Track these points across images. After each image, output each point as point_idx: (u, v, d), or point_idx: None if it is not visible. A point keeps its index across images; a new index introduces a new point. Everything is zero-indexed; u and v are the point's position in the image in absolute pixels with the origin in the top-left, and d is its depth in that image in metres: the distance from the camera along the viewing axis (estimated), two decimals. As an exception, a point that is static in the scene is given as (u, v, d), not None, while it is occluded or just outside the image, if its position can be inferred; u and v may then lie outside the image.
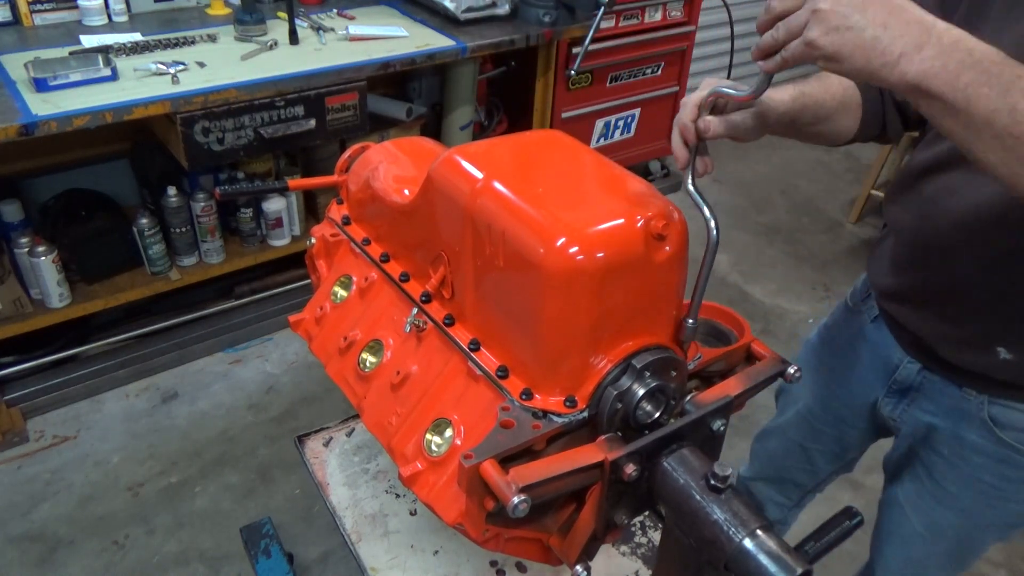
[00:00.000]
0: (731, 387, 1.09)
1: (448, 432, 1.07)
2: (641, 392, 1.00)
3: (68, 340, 2.66)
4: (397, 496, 1.49)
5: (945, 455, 1.28)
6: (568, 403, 1.00)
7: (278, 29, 2.53)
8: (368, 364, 1.23)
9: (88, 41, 2.37)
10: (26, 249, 2.40)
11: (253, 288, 2.97)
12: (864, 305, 1.39)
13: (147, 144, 2.60)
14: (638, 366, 0.99)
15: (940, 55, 0.76)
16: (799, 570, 0.82)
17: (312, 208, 2.98)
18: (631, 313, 1.00)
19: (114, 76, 2.15)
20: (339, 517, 1.45)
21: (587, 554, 1.02)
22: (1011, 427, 1.18)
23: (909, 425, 1.34)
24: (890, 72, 0.78)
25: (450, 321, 1.15)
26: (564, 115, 3.35)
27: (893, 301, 1.27)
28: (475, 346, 1.10)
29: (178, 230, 2.65)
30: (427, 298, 1.20)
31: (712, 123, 0.98)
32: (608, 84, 3.47)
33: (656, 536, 1.42)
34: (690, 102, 0.99)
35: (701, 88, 1.00)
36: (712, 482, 0.90)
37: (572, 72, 3.11)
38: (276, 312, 2.94)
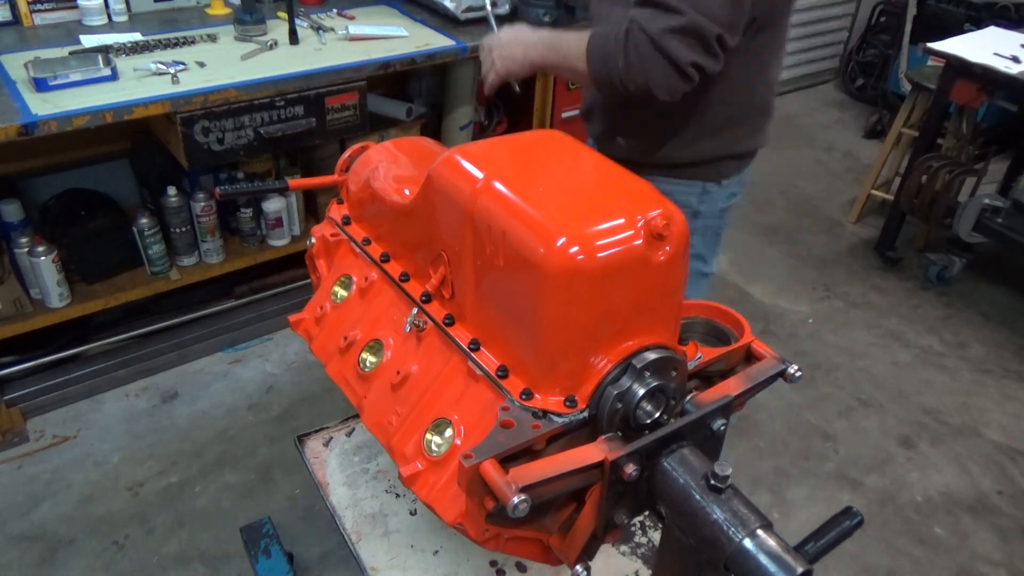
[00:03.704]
0: (731, 387, 1.09)
1: (448, 432, 1.07)
2: (641, 392, 1.00)
3: (68, 340, 2.66)
4: (397, 496, 1.49)
5: None
6: (568, 403, 1.00)
7: (278, 29, 2.53)
8: (368, 364, 1.23)
9: (88, 41, 2.37)
10: (26, 249, 2.40)
11: (253, 288, 2.96)
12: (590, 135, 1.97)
13: (147, 144, 2.60)
14: (638, 366, 0.99)
15: (535, 49, 1.58)
16: (799, 570, 0.82)
17: (312, 208, 2.98)
18: (631, 313, 1.00)
19: (114, 76, 2.15)
20: (339, 517, 1.45)
21: (587, 554, 1.02)
22: None
23: None
24: (530, 65, 1.61)
25: (450, 321, 1.15)
26: (564, 115, 3.35)
27: (585, 121, 1.89)
28: (475, 346, 1.10)
29: (178, 230, 2.65)
30: (427, 298, 1.20)
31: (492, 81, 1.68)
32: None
33: (656, 536, 1.42)
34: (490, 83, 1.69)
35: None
36: (712, 482, 0.90)
37: (572, 72, 3.10)
38: (276, 312, 2.94)
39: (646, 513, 1.13)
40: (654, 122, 1.64)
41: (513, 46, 1.61)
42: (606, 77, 1.44)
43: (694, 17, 1.34)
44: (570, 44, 1.50)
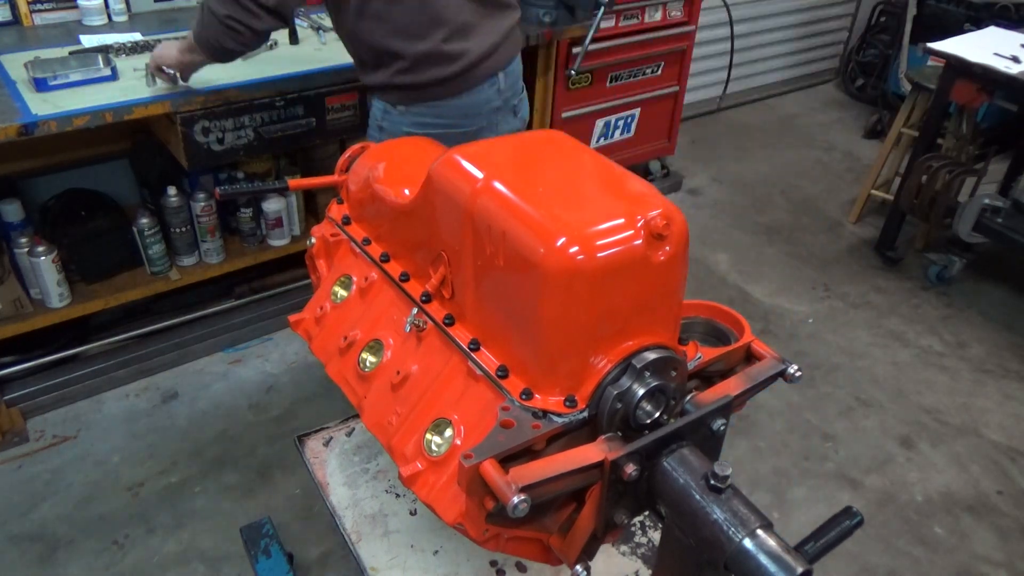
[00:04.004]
0: (731, 387, 1.09)
1: (448, 432, 1.07)
2: (641, 392, 1.00)
3: (68, 340, 2.66)
4: (397, 496, 1.49)
5: None
6: (568, 403, 1.00)
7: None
8: (368, 364, 1.23)
9: (88, 41, 2.37)
10: (26, 249, 2.40)
11: (253, 288, 2.96)
12: None
13: (147, 144, 2.60)
14: (638, 366, 1.00)
15: (180, 52, 1.97)
16: (799, 570, 0.82)
17: (312, 208, 2.98)
18: (631, 313, 1.00)
19: (114, 76, 2.15)
20: (339, 517, 1.45)
21: (587, 554, 1.02)
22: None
23: None
24: (177, 61, 2.01)
25: (450, 321, 1.15)
26: (564, 115, 3.35)
27: None
28: (475, 346, 1.10)
29: (178, 230, 2.65)
30: (427, 298, 1.20)
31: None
32: (608, 84, 3.47)
33: (656, 536, 1.42)
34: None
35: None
36: (712, 482, 0.90)
37: (572, 72, 3.11)
38: (276, 312, 2.94)
39: (646, 513, 1.13)
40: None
41: (166, 46, 2.04)
42: (207, 48, 1.87)
43: None
44: (189, 37, 1.92)
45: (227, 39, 1.80)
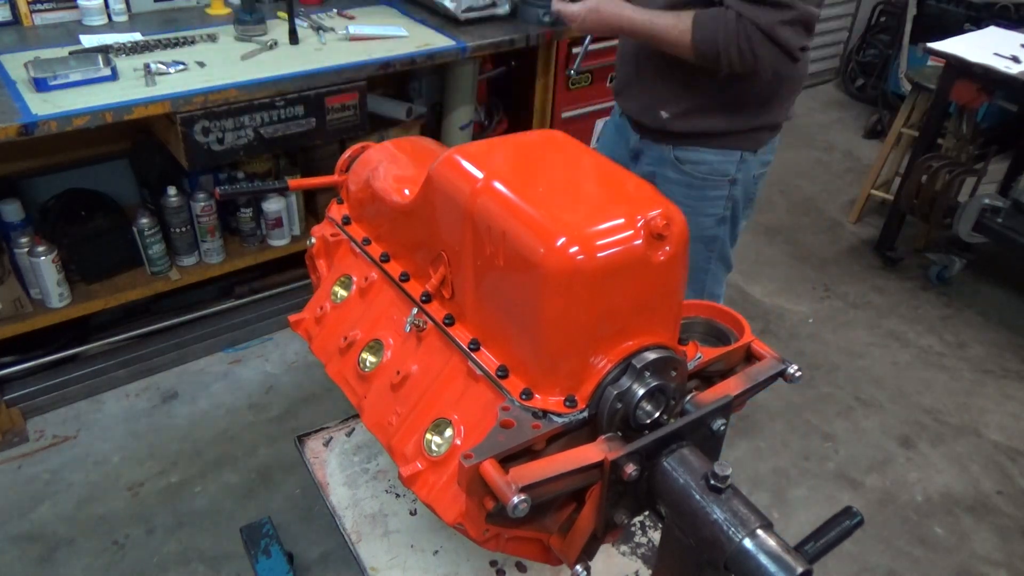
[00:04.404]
0: (731, 387, 1.09)
1: (448, 432, 1.07)
2: (641, 392, 1.00)
3: (68, 340, 2.65)
4: (397, 496, 1.49)
5: (659, 189, 1.85)
6: (568, 403, 1.00)
7: (278, 29, 2.53)
8: (368, 364, 1.23)
9: (88, 41, 2.37)
10: (26, 249, 2.40)
11: (253, 288, 2.96)
12: (618, 111, 2.10)
13: (147, 144, 2.60)
14: (638, 366, 1.00)
15: (625, 14, 1.71)
16: (799, 570, 0.82)
17: (312, 208, 2.98)
18: (631, 313, 1.00)
19: (114, 76, 2.15)
20: (339, 517, 1.45)
21: (587, 554, 1.02)
22: (687, 161, 1.90)
23: (641, 175, 1.85)
24: (609, 25, 1.75)
25: (450, 321, 1.15)
26: (564, 115, 3.34)
27: (618, 97, 2.03)
28: (475, 346, 1.10)
29: (178, 230, 2.65)
30: (427, 298, 1.20)
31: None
32: (608, 84, 3.47)
33: (656, 536, 1.42)
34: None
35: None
36: (712, 482, 0.90)
37: (572, 72, 3.09)
38: (276, 312, 2.94)
39: (646, 513, 1.13)
40: (701, 95, 1.79)
41: (606, 6, 1.76)
42: (712, 54, 1.61)
43: (805, 9, 1.57)
44: (665, 20, 1.66)
45: (779, 64, 1.63)
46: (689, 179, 1.90)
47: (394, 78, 2.99)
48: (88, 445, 2.47)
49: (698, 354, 1.13)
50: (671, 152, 1.90)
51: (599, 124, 3.57)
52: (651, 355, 1.01)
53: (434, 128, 3.16)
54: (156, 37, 2.41)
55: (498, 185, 1.03)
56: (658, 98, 1.86)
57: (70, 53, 2.25)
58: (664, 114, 1.85)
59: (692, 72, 1.73)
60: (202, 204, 2.63)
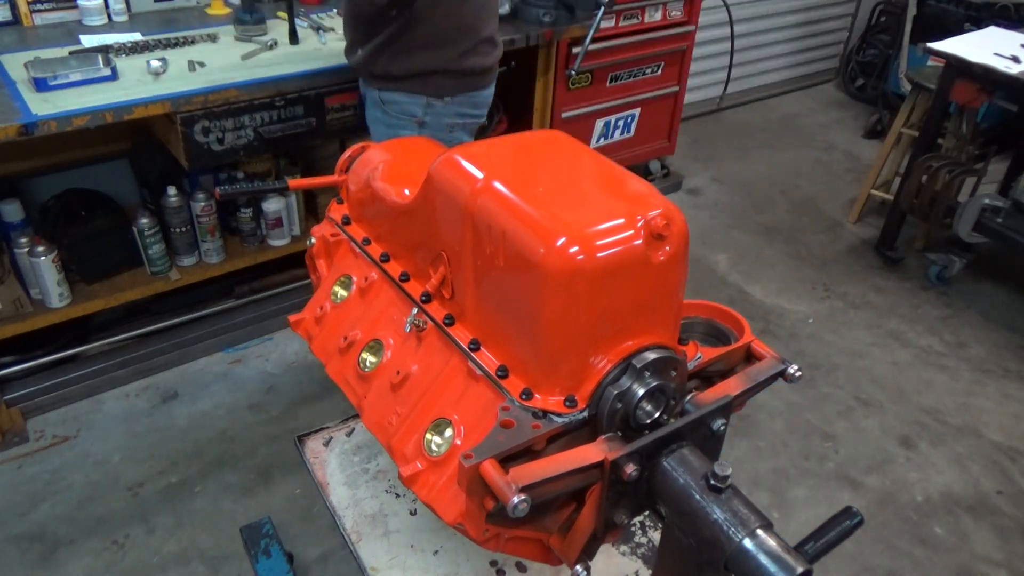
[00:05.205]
0: (731, 387, 1.09)
1: (448, 432, 1.07)
2: (641, 392, 1.00)
3: (68, 340, 2.65)
4: (397, 496, 1.49)
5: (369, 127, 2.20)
6: (568, 403, 1.00)
7: (278, 29, 2.53)
8: (368, 364, 1.23)
9: (88, 41, 2.37)
10: (26, 249, 2.40)
11: (253, 288, 2.96)
12: None
13: (147, 144, 2.60)
14: (638, 366, 0.99)
15: None
16: (799, 570, 0.82)
17: (312, 208, 2.98)
18: (631, 313, 1.00)
19: (114, 76, 2.15)
20: (339, 517, 1.45)
21: (587, 554, 1.02)
22: (386, 102, 2.07)
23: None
24: None
25: (450, 321, 1.15)
26: (564, 115, 3.35)
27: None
28: (475, 346, 1.10)
29: (178, 230, 2.65)
30: (427, 298, 1.20)
31: None
32: (608, 84, 3.47)
33: (656, 536, 1.42)
34: None
35: None
36: (712, 482, 0.90)
37: (572, 72, 3.10)
38: (276, 312, 2.94)
39: (646, 513, 1.13)
40: (377, 37, 1.97)
41: None
42: None
43: None
44: None
45: None
46: (387, 118, 2.10)
47: (394, 78, 2.99)
48: (88, 445, 2.47)
49: (698, 354, 1.13)
50: (377, 94, 2.09)
51: (599, 124, 3.58)
52: (651, 355, 1.01)
53: (434, 128, 3.15)
54: (156, 37, 2.41)
55: (498, 185, 1.03)
56: (354, 37, 2.06)
57: (70, 53, 2.25)
58: (360, 52, 2.04)
59: (367, 16, 1.93)
60: (202, 204, 2.63)
